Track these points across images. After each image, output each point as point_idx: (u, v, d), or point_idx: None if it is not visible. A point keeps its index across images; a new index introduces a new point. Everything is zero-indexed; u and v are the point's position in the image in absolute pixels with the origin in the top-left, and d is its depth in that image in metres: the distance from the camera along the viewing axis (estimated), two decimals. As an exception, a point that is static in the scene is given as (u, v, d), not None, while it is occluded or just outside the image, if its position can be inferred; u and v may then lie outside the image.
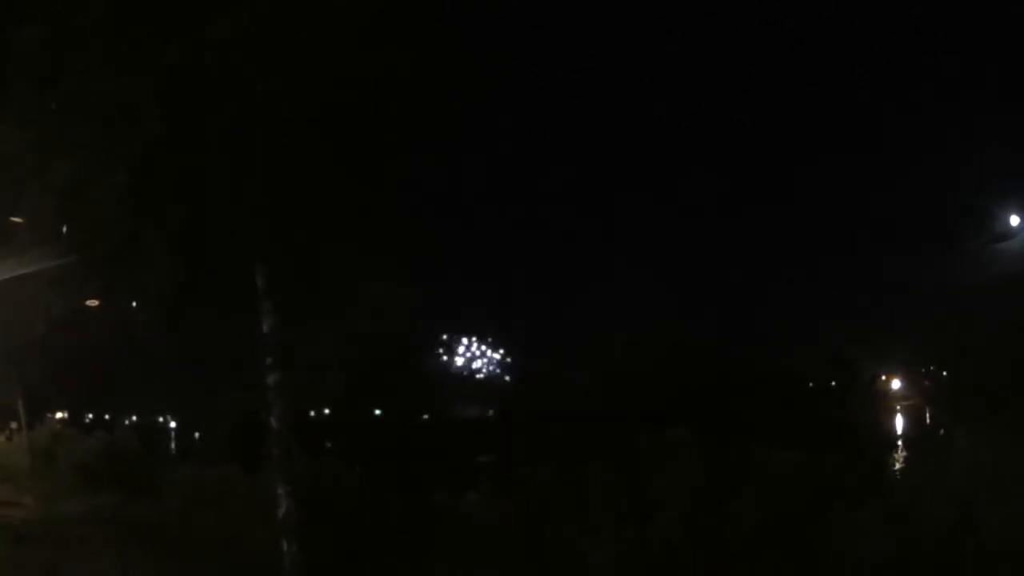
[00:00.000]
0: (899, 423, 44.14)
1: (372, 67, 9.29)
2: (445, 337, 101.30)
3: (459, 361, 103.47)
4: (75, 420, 51.53)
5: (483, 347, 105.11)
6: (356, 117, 9.67)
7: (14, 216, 11.34)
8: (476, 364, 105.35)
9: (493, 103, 10.96)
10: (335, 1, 9.12)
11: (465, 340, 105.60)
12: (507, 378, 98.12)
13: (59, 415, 48.39)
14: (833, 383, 62.92)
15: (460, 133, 10.71)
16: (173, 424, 66.13)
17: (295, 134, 9.42)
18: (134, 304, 11.21)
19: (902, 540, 8.30)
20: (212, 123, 9.09)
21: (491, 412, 79.46)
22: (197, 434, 49.39)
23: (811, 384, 62.35)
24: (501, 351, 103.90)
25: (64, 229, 10.11)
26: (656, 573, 9.42)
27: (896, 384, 63.79)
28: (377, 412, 65.51)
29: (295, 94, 9.17)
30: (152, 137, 8.91)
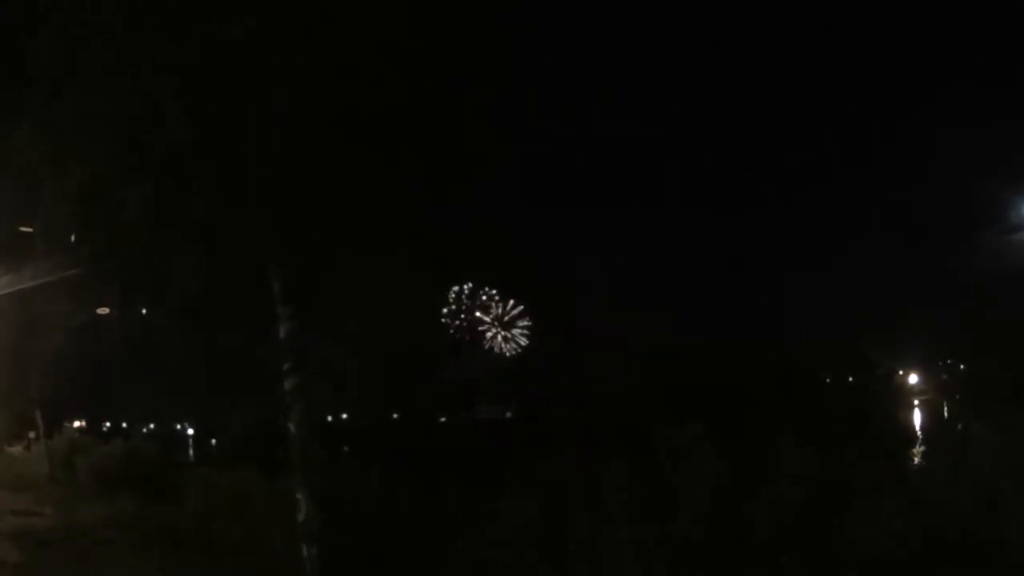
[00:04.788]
0: (917, 417, 43.96)
1: (395, 67, 9.29)
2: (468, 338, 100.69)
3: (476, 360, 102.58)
4: (93, 428, 51.81)
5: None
6: (377, 119, 9.66)
7: (31, 225, 11.41)
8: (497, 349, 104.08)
9: (513, 100, 10.93)
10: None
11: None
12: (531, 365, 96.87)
13: (77, 424, 48.66)
14: (850, 378, 62.86)
15: (485, 137, 10.67)
16: (191, 431, 66.40)
17: (316, 136, 9.43)
18: (152, 312, 11.26)
19: (924, 533, 8.27)
20: (232, 125, 9.10)
21: (508, 414, 79.42)
22: (214, 440, 49.62)
23: (828, 380, 62.29)
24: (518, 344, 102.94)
25: (82, 237, 10.16)
26: (677, 571, 9.40)
27: (913, 378, 63.68)
28: (394, 416, 65.72)
29: (315, 95, 9.17)
30: (171, 140, 8.94)
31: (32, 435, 34.46)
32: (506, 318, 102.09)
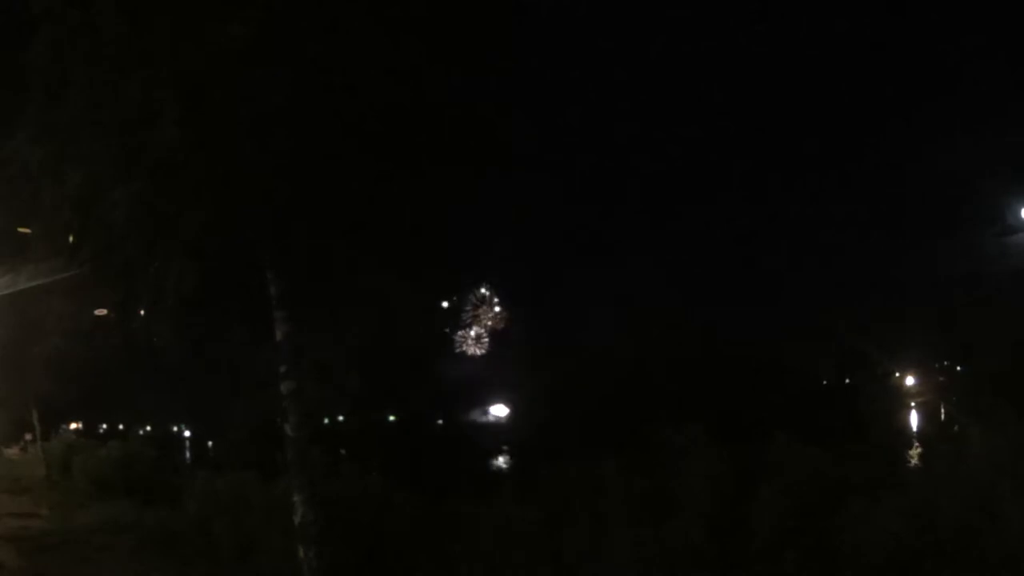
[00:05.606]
0: (914, 419, 43.95)
1: (390, 68, 9.27)
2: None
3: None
4: (89, 431, 51.76)
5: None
6: (373, 122, 9.63)
7: (28, 227, 11.37)
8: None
9: (512, 100, 10.91)
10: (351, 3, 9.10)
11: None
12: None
13: (73, 426, 48.64)
14: (847, 380, 62.87)
15: (485, 137, 10.61)
16: (187, 433, 66.29)
17: (311, 139, 9.40)
18: (148, 313, 11.21)
19: (924, 534, 8.27)
20: (231, 126, 9.07)
21: (506, 415, 79.31)
22: (211, 443, 49.58)
23: (825, 382, 62.33)
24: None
25: (78, 239, 10.11)
26: (677, 571, 9.41)
27: (910, 380, 63.61)
28: (391, 418, 65.65)
29: (310, 99, 9.15)
30: (167, 144, 8.91)
31: (28, 437, 34.46)
32: (503, 319, 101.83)
